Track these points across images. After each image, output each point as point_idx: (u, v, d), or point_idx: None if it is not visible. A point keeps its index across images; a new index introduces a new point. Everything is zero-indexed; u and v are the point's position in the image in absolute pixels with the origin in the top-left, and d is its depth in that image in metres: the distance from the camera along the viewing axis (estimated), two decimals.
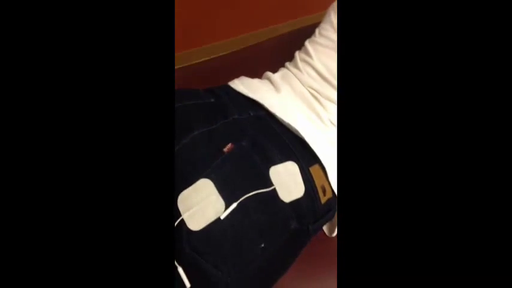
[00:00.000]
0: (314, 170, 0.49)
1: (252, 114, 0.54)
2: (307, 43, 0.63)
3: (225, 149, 0.47)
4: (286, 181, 0.47)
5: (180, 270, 0.41)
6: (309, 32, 0.69)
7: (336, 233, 0.57)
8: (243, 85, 0.59)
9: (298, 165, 0.48)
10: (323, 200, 0.50)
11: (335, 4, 0.63)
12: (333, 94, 0.55)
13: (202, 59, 1.01)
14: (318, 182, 0.49)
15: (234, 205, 0.42)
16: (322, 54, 0.58)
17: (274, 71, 0.64)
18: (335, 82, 0.55)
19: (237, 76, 0.64)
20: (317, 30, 0.64)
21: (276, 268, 0.48)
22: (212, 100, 0.55)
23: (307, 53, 0.61)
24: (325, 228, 0.60)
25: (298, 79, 0.58)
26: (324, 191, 0.50)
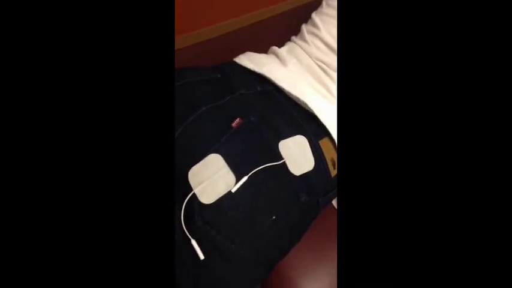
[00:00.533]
0: (323, 143, 0.49)
1: (259, 88, 0.53)
2: (314, 15, 0.62)
3: (234, 124, 0.46)
4: (296, 155, 0.46)
5: (194, 243, 0.42)
6: (312, 7, 0.67)
7: None
8: (249, 60, 0.58)
9: (307, 138, 0.48)
10: (333, 173, 0.50)
11: None
12: None
13: (205, 39, 0.99)
14: (328, 155, 0.49)
15: (245, 178, 0.43)
16: (329, 24, 0.56)
17: (280, 46, 0.63)
18: None
19: (241, 53, 0.63)
20: (324, 2, 0.62)
21: (287, 239, 0.49)
22: (218, 76, 0.54)
23: (315, 25, 0.59)
24: (334, 201, 0.60)
25: (306, 52, 0.57)
26: (334, 164, 0.50)
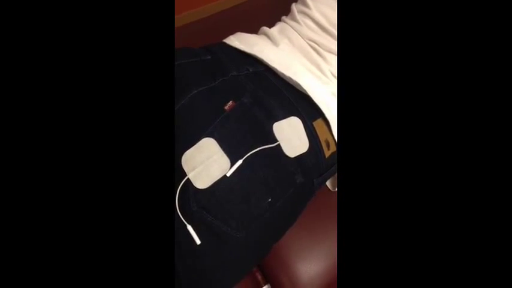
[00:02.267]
0: (317, 124, 0.49)
1: (250, 70, 0.52)
2: None
3: (226, 107, 0.45)
4: (290, 137, 0.46)
5: (190, 228, 0.41)
6: None
7: None
8: (239, 41, 0.56)
9: (301, 120, 0.47)
10: (327, 154, 0.50)
11: None
12: (333, 45, 0.53)
13: (191, 20, 0.96)
14: (322, 136, 0.49)
15: (240, 162, 0.42)
16: (320, 3, 0.55)
17: (270, 27, 0.61)
18: (335, 32, 0.53)
19: (230, 34, 0.61)
20: None
21: (283, 221, 0.49)
22: (208, 57, 0.53)
23: (305, 4, 0.58)
24: (328, 182, 0.61)
25: (297, 32, 0.56)
26: (328, 145, 0.50)
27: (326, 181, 0.56)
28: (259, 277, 0.61)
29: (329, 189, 0.61)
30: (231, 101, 0.46)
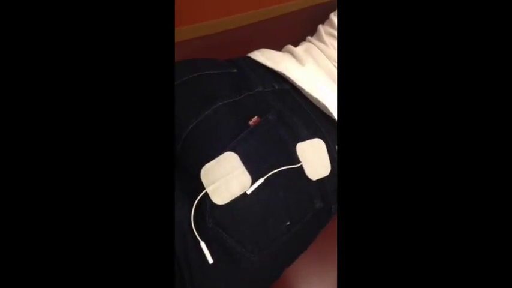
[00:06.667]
0: None
1: (276, 87, 0.51)
2: (332, 16, 0.60)
3: (251, 122, 0.44)
4: (313, 159, 0.45)
5: (203, 245, 0.39)
6: (324, 9, 0.65)
7: None
8: (265, 57, 0.55)
9: (325, 142, 0.46)
10: None
11: None
12: None
13: (213, 32, 0.96)
14: None
15: (261, 180, 0.40)
16: None
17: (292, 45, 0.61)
18: None
19: (250, 49, 0.60)
20: None
21: (298, 246, 0.47)
22: (235, 70, 0.52)
23: (333, 26, 0.57)
24: None
25: (323, 53, 0.55)
26: None
27: None
28: None
29: None
30: (256, 117, 0.44)
